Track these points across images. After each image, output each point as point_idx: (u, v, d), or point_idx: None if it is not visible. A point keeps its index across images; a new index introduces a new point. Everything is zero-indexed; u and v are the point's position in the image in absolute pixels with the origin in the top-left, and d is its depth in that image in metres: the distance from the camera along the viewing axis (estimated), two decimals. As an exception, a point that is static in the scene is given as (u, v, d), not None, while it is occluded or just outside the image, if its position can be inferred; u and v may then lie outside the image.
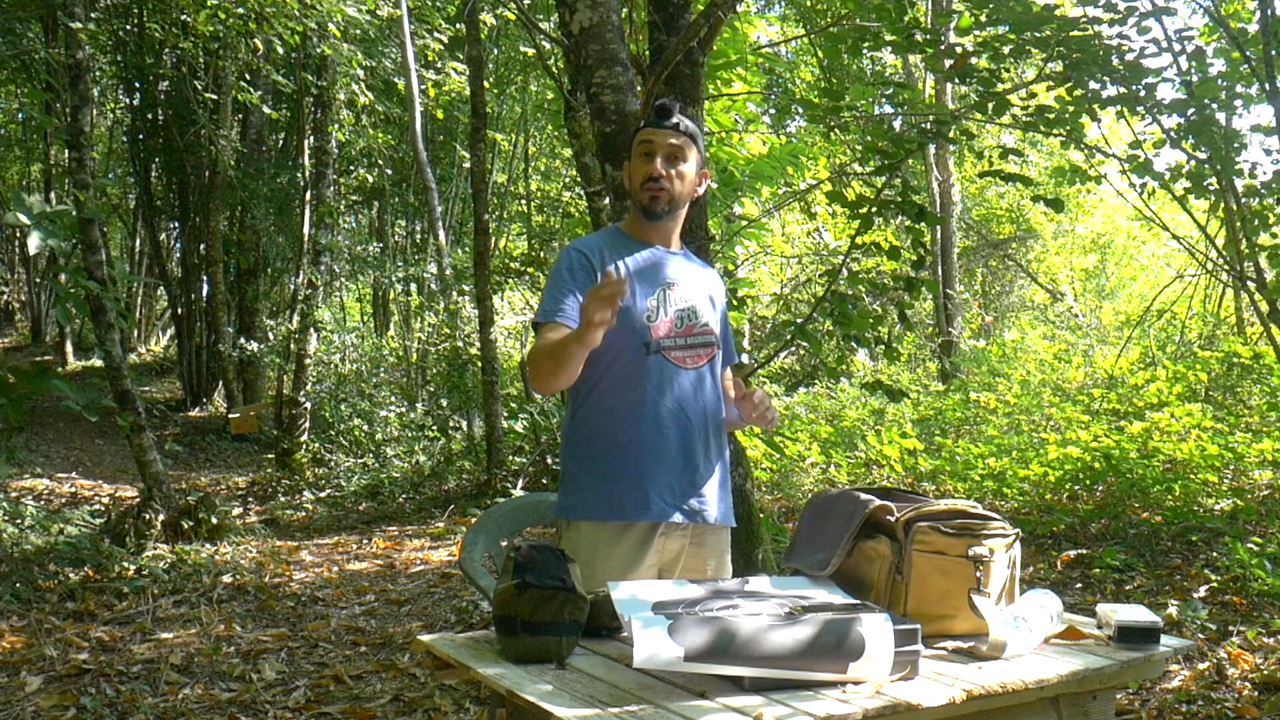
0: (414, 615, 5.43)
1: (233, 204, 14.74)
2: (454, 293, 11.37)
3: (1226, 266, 6.47)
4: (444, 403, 11.32)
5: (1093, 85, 5.15)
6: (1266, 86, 5.03)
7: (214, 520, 7.15)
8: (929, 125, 5.80)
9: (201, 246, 15.05)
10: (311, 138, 12.34)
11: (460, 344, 10.82)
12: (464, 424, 10.76)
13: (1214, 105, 5.34)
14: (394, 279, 14.39)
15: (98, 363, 13.30)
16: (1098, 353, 10.97)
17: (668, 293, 2.39)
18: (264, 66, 12.38)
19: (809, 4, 10.73)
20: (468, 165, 11.42)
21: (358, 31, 11.05)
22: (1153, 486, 5.94)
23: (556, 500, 2.47)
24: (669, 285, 2.40)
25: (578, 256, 2.38)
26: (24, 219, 4.07)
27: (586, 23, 3.73)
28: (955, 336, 13.13)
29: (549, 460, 8.71)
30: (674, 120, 2.37)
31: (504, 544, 2.89)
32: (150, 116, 15.52)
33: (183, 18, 12.10)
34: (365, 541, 7.65)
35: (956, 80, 7.24)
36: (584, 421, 2.40)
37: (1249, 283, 5.80)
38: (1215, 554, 4.95)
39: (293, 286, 13.80)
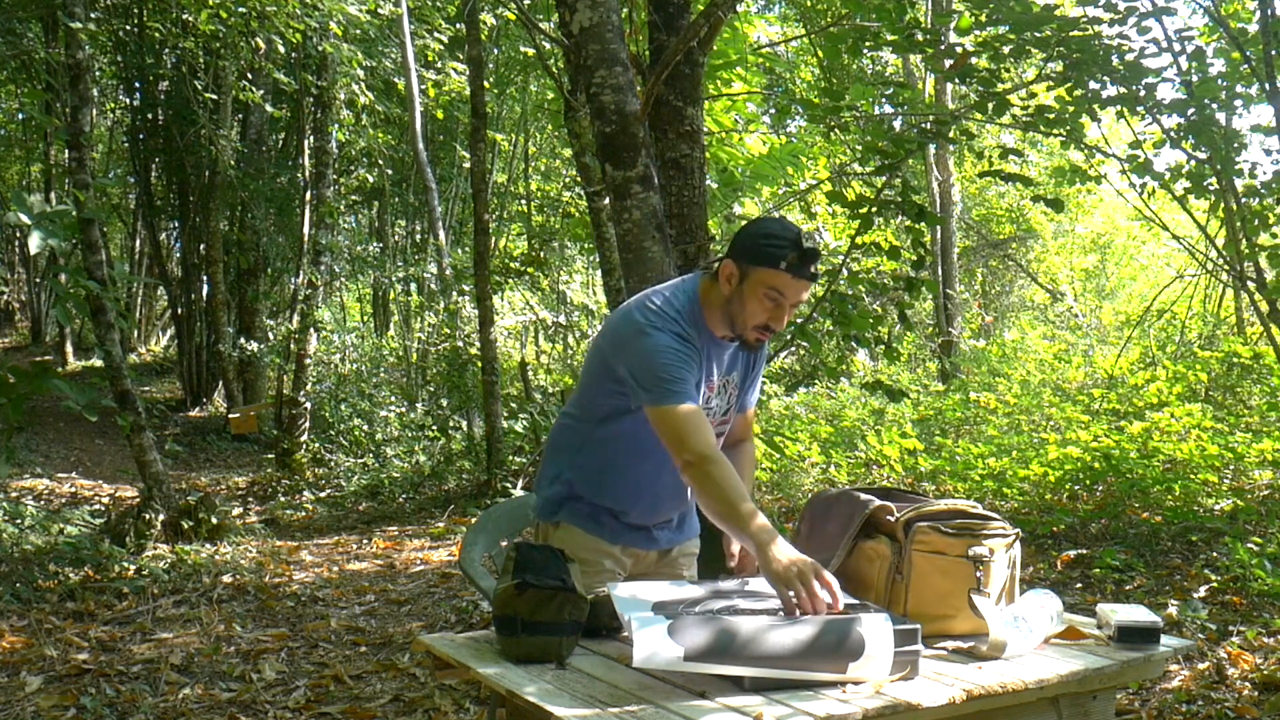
0: (414, 615, 5.43)
1: (233, 204, 14.74)
2: (454, 293, 11.37)
3: (1226, 266, 6.47)
4: (444, 403, 11.31)
5: (1093, 85, 5.15)
6: (1266, 86, 5.03)
7: (214, 520, 7.15)
8: (929, 125, 5.80)
9: (201, 246, 15.05)
10: (311, 138, 12.33)
11: (460, 344, 10.81)
12: (464, 424, 10.76)
13: (1214, 105, 5.33)
14: (394, 279, 14.39)
15: (98, 363, 13.29)
16: (1098, 353, 10.96)
17: (707, 393, 2.31)
18: (265, 65, 12.37)
19: (809, 4, 10.73)
20: (468, 165, 11.42)
21: (358, 31, 11.05)
22: (1153, 486, 5.94)
23: (539, 498, 2.46)
24: (710, 379, 2.32)
25: (689, 346, 2.19)
26: (24, 219, 4.08)
27: (586, 23, 3.73)
28: (955, 336, 13.12)
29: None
30: (813, 270, 2.17)
31: (504, 544, 2.89)
32: (150, 116, 15.51)
33: (183, 17, 12.10)
34: (365, 541, 7.65)
35: (956, 80, 7.24)
36: (598, 452, 2.35)
37: (1249, 283, 5.80)
38: (1215, 554, 4.95)
39: (293, 286, 13.80)
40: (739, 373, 2.40)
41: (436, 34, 12.25)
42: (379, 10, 11.10)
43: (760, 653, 1.69)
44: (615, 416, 2.28)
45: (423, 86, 12.04)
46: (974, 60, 5.17)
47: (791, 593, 1.87)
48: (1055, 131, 5.38)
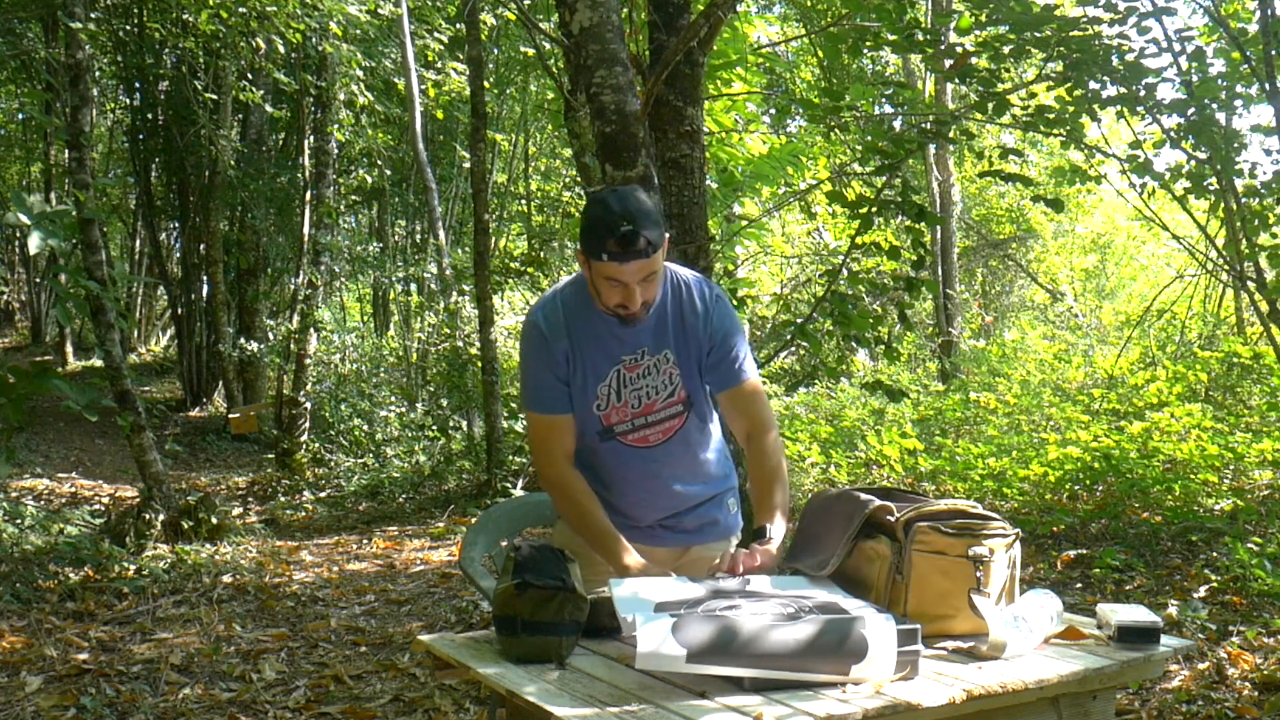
0: (414, 615, 5.43)
1: (233, 204, 14.73)
2: (454, 293, 11.37)
3: (1226, 266, 6.47)
4: (444, 403, 11.31)
5: (1093, 85, 5.16)
6: (1266, 86, 5.03)
7: (214, 520, 7.15)
8: (929, 125, 5.80)
9: (201, 246, 15.05)
10: (311, 138, 12.33)
11: (460, 344, 10.82)
12: (464, 424, 10.76)
13: (1214, 105, 5.34)
14: (394, 279, 14.39)
15: (98, 363, 13.29)
16: (1098, 353, 10.96)
17: (624, 372, 2.29)
18: (265, 65, 12.38)
19: (809, 4, 10.73)
20: (468, 165, 11.42)
21: (358, 31, 11.05)
22: (1153, 486, 5.93)
23: None
24: (626, 362, 2.29)
25: (538, 340, 2.28)
26: (24, 219, 4.07)
27: (586, 23, 3.73)
28: (955, 336, 13.12)
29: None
30: (640, 247, 2.09)
31: (504, 544, 2.89)
32: (150, 116, 15.51)
33: (183, 17, 12.10)
34: (365, 541, 7.65)
35: (956, 80, 7.24)
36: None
37: (1249, 283, 5.80)
38: (1215, 554, 4.95)
39: (293, 286, 13.79)
40: (676, 348, 2.31)
41: (436, 34, 12.25)
42: (379, 10, 11.10)
43: (763, 652, 1.69)
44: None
45: (423, 86, 12.04)
46: (974, 60, 5.18)
47: None
48: (1055, 131, 5.39)
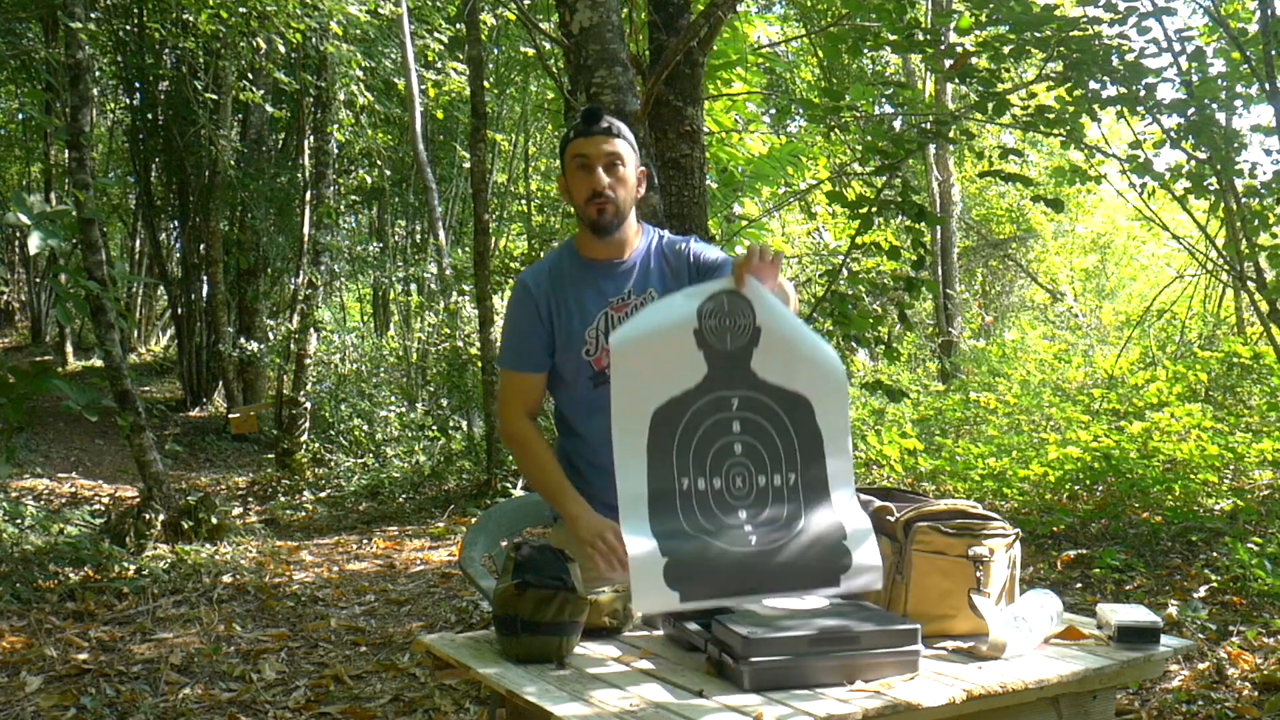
0: (414, 615, 5.43)
1: (233, 204, 14.73)
2: (454, 293, 11.37)
3: (1226, 266, 6.47)
4: (444, 403, 11.32)
5: (1093, 85, 5.16)
6: (1266, 86, 5.04)
7: (214, 520, 7.15)
8: (929, 125, 5.80)
9: (201, 246, 15.05)
10: (311, 138, 12.33)
11: (460, 344, 10.82)
12: (464, 424, 10.76)
13: (1214, 105, 5.34)
14: (394, 279, 14.38)
15: (98, 363, 13.29)
16: (1098, 353, 10.97)
17: (612, 314, 2.35)
18: (265, 65, 12.38)
19: (809, 4, 10.73)
20: (468, 165, 11.42)
21: (358, 31, 11.05)
22: (1153, 486, 5.93)
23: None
24: (615, 305, 2.36)
25: (521, 293, 2.37)
26: (24, 219, 4.07)
27: (586, 23, 3.74)
28: (955, 336, 13.13)
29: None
30: (605, 124, 2.29)
31: (504, 544, 2.89)
32: (150, 116, 15.51)
33: (183, 17, 12.10)
34: (365, 541, 7.65)
35: (956, 80, 7.25)
36: (562, 443, 2.50)
37: (1249, 283, 5.81)
38: (1215, 554, 4.95)
39: (293, 286, 13.80)
40: (662, 288, 2.36)
41: (436, 34, 12.25)
42: (379, 10, 11.10)
43: (752, 583, 1.82)
44: (556, 405, 2.48)
45: (423, 86, 12.04)
46: (974, 60, 5.18)
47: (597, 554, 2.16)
48: (1055, 131, 5.39)
